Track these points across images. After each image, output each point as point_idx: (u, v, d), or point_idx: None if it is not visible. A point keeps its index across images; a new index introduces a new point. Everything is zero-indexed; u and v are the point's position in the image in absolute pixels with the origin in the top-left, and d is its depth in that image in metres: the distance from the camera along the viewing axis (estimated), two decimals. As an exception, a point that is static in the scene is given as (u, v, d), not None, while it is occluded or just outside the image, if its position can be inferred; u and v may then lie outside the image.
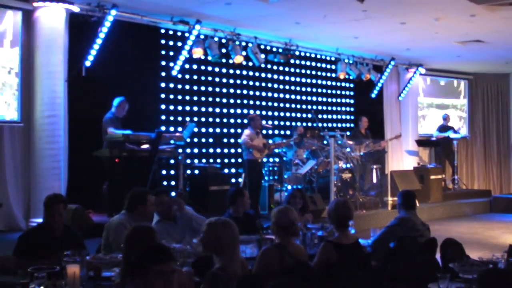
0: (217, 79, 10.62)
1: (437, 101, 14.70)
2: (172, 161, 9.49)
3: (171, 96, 9.88)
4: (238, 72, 10.94)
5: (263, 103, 11.48)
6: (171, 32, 9.76)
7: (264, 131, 9.92)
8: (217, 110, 10.60)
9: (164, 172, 9.48)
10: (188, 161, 9.62)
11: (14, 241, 4.46)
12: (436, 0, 8.27)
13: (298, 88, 12.24)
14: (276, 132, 11.34)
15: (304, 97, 12.36)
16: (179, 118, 9.88)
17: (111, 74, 8.45)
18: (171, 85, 9.86)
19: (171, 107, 9.86)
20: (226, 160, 10.64)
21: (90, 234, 5.84)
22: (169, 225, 4.97)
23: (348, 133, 11.18)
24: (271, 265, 3.73)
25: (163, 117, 9.72)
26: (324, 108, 12.85)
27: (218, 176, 9.03)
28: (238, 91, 11.00)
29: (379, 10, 8.67)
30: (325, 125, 12.34)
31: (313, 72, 12.57)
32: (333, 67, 12.23)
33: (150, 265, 2.63)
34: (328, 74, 12.81)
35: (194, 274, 3.55)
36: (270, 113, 11.55)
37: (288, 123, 11.85)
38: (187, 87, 10.13)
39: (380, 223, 8.67)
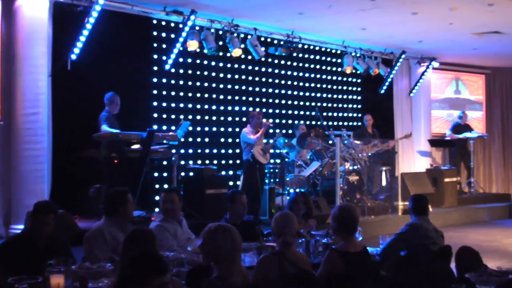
0: (213, 74, 10.61)
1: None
2: (165, 163, 9.48)
3: (164, 92, 9.87)
4: (236, 66, 10.93)
5: (263, 100, 11.47)
6: (164, 23, 9.75)
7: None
8: (214, 107, 10.59)
9: (156, 174, 9.47)
10: (182, 162, 9.61)
11: (-7, 250, 4.44)
12: (450, -12, 8.28)
13: (301, 84, 12.23)
14: (277, 131, 11.31)
15: (307, 93, 12.35)
16: (173, 116, 9.87)
17: (99, 68, 8.44)
18: (164, 80, 9.85)
19: (164, 104, 9.85)
20: (223, 161, 10.63)
21: (75, 241, 5.82)
22: (176, 226, 5.01)
23: (350, 132, 11.14)
24: (270, 274, 3.72)
25: (155, 115, 9.72)
26: (329, 105, 12.84)
27: (214, 178, 9.01)
28: (237, 87, 10.99)
29: (389, -1, 8.67)
30: (330, 123, 12.33)
31: (317, 67, 12.56)
32: (339, 61, 12.22)
33: (150, 278, 2.63)
34: (334, 69, 12.81)
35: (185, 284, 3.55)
36: (270, 111, 11.54)
37: (290, 121, 11.84)
38: (181, 82, 10.12)
39: (390, 230, 8.64)
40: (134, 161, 7.74)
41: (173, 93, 10.00)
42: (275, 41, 10.96)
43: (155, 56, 9.74)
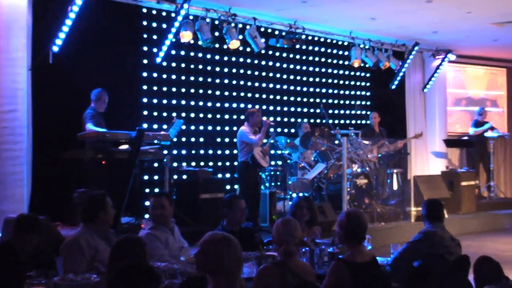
0: (209, 68, 10.60)
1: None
2: (156, 165, 9.48)
3: (155, 88, 9.87)
4: (233, 59, 10.93)
5: (263, 96, 11.47)
6: (154, 12, 9.75)
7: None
8: (209, 104, 10.58)
9: (146, 177, 9.47)
10: (175, 164, 9.60)
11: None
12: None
13: (304, 79, 12.23)
14: (279, 130, 11.32)
15: (311, 89, 12.34)
16: (164, 114, 9.87)
17: (83, 62, 8.43)
18: (155, 75, 9.85)
19: (155, 101, 9.85)
20: (219, 163, 10.63)
21: (57, 252, 5.82)
22: (168, 234, 5.02)
23: (358, 131, 11.13)
24: (271, 286, 3.72)
25: (145, 112, 9.71)
26: (335, 101, 12.84)
27: (210, 182, 9.02)
28: (234, 82, 10.99)
29: (401, -14, 8.68)
30: (336, 121, 12.33)
31: (323, 60, 12.55)
32: (346, 53, 12.23)
33: None
34: (340, 62, 12.81)
35: None
36: (271, 108, 11.54)
37: (292, 120, 11.84)
38: (174, 77, 10.12)
39: (402, 238, 8.66)
40: (122, 163, 7.73)
41: (164, 89, 9.99)
42: (276, 32, 10.95)
43: (145, 48, 9.73)
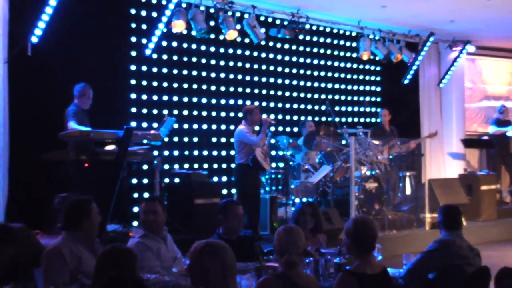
0: (203, 61, 10.61)
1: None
2: (145, 167, 9.49)
3: (144, 83, 9.88)
4: (231, 51, 10.93)
5: (263, 92, 11.47)
6: (143, -1, 9.78)
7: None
8: (204, 100, 10.58)
9: (135, 181, 9.47)
10: (166, 166, 9.62)
11: None
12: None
13: (308, 72, 12.23)
14: (281, 129, 11.31)
15: (316, 84, 12.35)
16: (155, 111, 9.87)
17: (65, 54, 8.44)
18: (144, 68, 9.86)
19: (144, 97, 9.86)
20: (215, 166, 10.63)
21: (37, 263, 5.82)
22: (160, 243, 5.01)
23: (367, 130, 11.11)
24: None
25: (134, 110, 9.72)
26: (342, 98, 12.84)
27: (205, 186, 9.01)
28: (231, 76, 10.99)
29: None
30: (343, 119, 12.33)
31: (328, 52, 12.57)
32: (354, 45, 12.24)
33: None
34: (348, 54, 12.82)
35: None
36: (272, 105, 11.54)
37: (295, 117, 11.84)
38: (165, 70, 10.12)
39: (415, 248, 8.63)
40: (108, 165, 7.73)
41: (155, 84, 9.99)
42: (278, 22, 10.96)
43: (134, 39, 9.73)
